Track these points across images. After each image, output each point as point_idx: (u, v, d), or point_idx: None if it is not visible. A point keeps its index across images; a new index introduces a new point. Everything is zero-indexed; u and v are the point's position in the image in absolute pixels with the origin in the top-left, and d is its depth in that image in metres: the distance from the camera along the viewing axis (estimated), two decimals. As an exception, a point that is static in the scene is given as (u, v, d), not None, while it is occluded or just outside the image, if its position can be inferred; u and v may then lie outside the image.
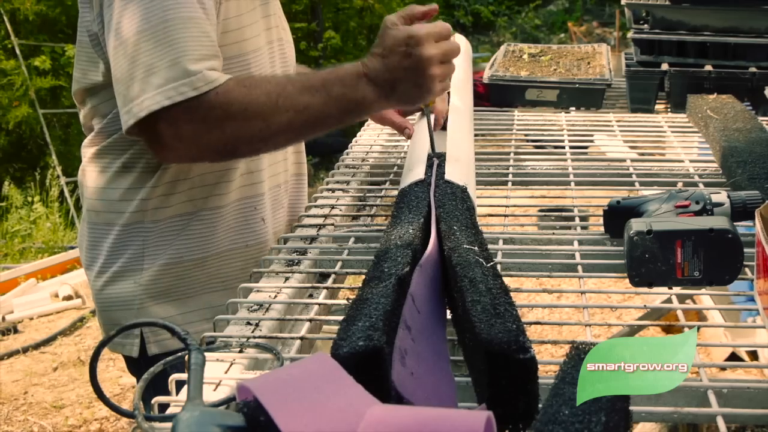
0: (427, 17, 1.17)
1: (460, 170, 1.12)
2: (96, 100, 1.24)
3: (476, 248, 0.86)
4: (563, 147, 1.56)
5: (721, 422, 0.69)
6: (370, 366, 0.65)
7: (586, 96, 1.85)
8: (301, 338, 0.88)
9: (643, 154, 1.61)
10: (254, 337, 0.87)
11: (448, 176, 1.08)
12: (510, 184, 1.37)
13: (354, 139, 1.71)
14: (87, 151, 1.29)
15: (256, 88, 1.10)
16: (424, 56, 1.08)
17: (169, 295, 1.26)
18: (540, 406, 0.65)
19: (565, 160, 1.47)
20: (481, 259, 0.83)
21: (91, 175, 1.28)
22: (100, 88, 1.22)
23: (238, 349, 0.83)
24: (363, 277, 0.85)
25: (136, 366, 1.31)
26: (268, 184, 1.33)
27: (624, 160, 1.47)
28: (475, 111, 1.65)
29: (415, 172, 1.12)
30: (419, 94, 1.12)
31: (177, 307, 1.26)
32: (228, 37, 1.20)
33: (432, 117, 1.25)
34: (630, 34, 1.89)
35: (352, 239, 1.15)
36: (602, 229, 1.10)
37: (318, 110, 1.11)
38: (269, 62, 1.29)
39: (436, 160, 1.14)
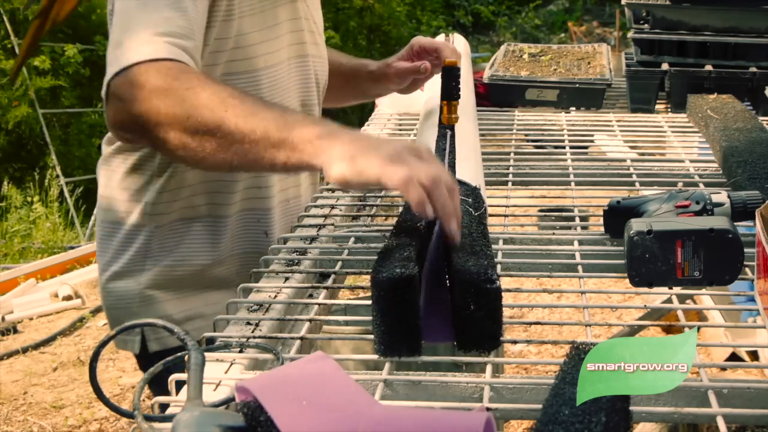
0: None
1: (470, 169, 1.13)
2: None
3: (470, 200, 0.98)
4: (563, 147, 1.56)
5: (721, 422, 0.69)
6: (403, 290, 0.77)
7: (586, 96, 1.85)
8: (301, 338, 0.88)
9: (643, 154, 1.61)
10: (254, 337, 0.87)
11: (458, 176, 1.09)
12: (510, 184, 1.37)
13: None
14: (105, 148, 1.33)
15: (203, 81, 1.01)
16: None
17: (168, 295, 1.29)
18: (541, 405, 0.66)
19: (565, 160, 1.47)
20: (470, 209, 0.96)
21: (105, 172, 1.32)
22: None
23: (238, 349, 0.83)
24: (363, 277, 0.88)
25: (138, 363, 1.37)
26: (277, 199, 1.34)
27: (624, 160, 1.47)
28: (475, 111, 1.65)
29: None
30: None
31: (177, 307, 1.30)
32: (238, 52, 1.22)
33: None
34: (630, 34, 1.89)
35: (352, 239, 1.14)
36: (602, 229, 1.10)
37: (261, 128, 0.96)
38: (286, 79, 1.30)
39: (449, 132, 1.20)
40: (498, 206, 1.26)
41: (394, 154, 0.87)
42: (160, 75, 1.01)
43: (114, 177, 1.30)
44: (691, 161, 1.44)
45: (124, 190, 1.28)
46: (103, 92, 1.06)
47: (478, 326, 0.79)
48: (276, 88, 1.28)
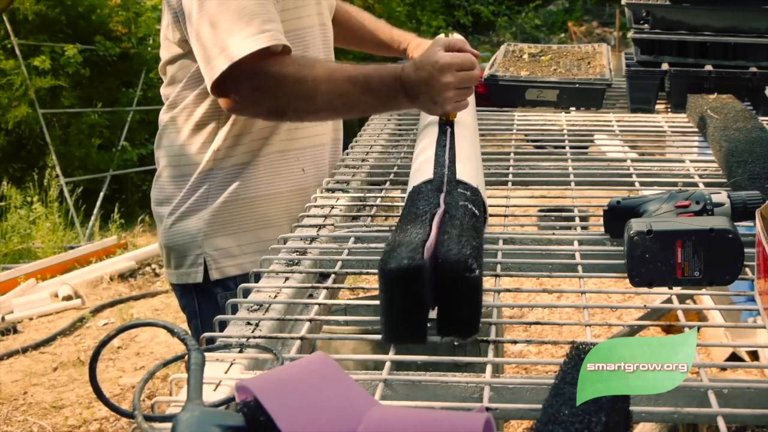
0: (464, 51, 1.39)
1: (470, 169, 1.13)
2: (173, 69, 1.52)
3: (468, 193, 1.02)
4: (563, 147, 1.56)
5: (721, 422, 0.69)
6: (410, 281, 0.79)
7: (586, 96, 1.85)
8: (301, 338, 0.88)
9: (643, 154, 1.61)
10: (254, 337, 0.87)
11: (459, 176, 1.09)
12: (510, 184, 1.37)
13: (354, 139, 1.71)
14: (164, 116, 1.56)
15: (308, 68, 1.37)
16: (441, 81, 1.30)
17: (226, 229, 1.51)
18: (541, 405, 0.66)
19: (565, 160, 1.47)
20: (467, 203, 0.99)
21: (169, 136, 1.55)
22: (176, 59, 1.50)
23: (238, 349, 0.83)
24: (363, 277, 0.88)
25: (198, 291, 1.54)
26: (309, 142, 1.57)
27: (624, 160, 1.47)
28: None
29: (426, 170, 1.14)
30: (435, 109, 1.34)
31: (234, 240, 1.51)
32: (284, 14, 1.45)
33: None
34: (630, 34, 1.89)
35: (352, 239, 1.14)
36: (602, 229, 1.10)
37: (356, 98, 1.37)
38: (321, 41, 1.57)
39: (449, 128, 1.27)
40: (498, 206, 1.26)
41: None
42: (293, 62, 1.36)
43: (179, 136, 1.52)
44: (691, 161, 1.44)
45: (192, 146, 1.51)
46: (224, 66, 1.32)
47: (456, 312, 0.81)
48: (316, 47, 1.54)
